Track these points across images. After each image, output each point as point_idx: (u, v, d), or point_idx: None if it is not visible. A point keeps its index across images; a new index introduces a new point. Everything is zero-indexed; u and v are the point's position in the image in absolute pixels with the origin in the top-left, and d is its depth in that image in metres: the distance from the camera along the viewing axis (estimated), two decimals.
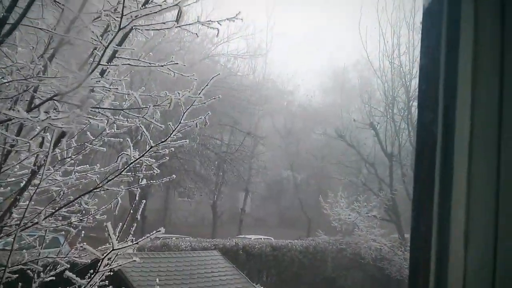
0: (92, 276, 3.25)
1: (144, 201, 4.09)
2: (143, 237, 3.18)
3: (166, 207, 35.18)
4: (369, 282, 23.53)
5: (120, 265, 3.25)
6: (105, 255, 3.10)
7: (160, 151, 3.88)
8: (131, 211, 3.89)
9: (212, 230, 32.90)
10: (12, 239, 3.24)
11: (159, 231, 3.16)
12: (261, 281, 17.23)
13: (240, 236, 28.60)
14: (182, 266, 15.19)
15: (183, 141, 3.88)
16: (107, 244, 3.16)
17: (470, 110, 1.00)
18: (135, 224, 3.90)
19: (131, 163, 3.64)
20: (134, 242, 3.22)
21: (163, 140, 3.85)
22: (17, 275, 3.60)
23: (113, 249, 3.06)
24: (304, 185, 38.79)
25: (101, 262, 3.14)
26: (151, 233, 3.16)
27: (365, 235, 25.38)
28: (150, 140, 3.72)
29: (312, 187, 36.56)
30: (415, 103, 27.79)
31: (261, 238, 25.46)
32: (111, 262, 3.23)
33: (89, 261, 3.79)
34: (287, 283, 21.40)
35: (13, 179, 4.07)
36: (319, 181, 36.05)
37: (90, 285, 3.34)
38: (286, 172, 39.74)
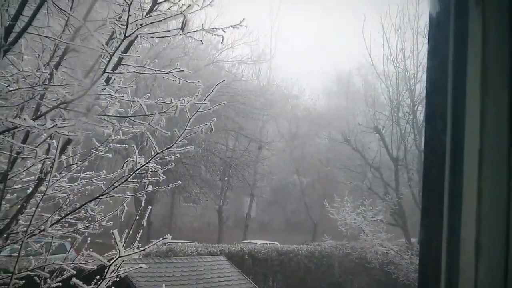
0: (99, 282, 3.25)
1: (150, 207, 4.09)
2: (150, 244, 3.18)
3: (172, 213, 35.21)
4: (375, 287, 23.41)
5: (126, 272, 3.25)
6: (111, 262, 3.10)
7: (165, 157, 3.88)
8: (137, 217, 3.89)
9: (218, 235, 32.87)
10: (19, 246, 3.25)
11: (166, 238, 3.16)
12: (267, 286, 17.20)
13: (246, 241, 28.57)
14: (188, 271, 15.17)
15: (188, 147, 3.88)
16: (114, 250, 3.16)
17: (479, 118, 0.99)
18: (141, 230, 3.90)
19: (137, 169, 3.65)
20: (140, 249, 3.23)
21: (168, 146, 3.85)
22: (24, 281, 3.61)
23: (119, 256, 3.06)
24: (310, 190, 38.69)
25: (108, 269, 3.14)
26: (158, 240, 3.16)
27: (371, 239, 25.29)
28: (156, 147, 3.72)
29: (317, 192, 36.47)
30: (420, 107, 27.76)
31: (266, 243, 25.42)
32: (118, 269, 3.24)
33: (96, 267, 3.79)
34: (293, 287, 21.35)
35: (20, 186, 4.08)
36: (325, 186, 35.98)
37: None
38: (291, 177, 39.65)
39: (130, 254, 3.14)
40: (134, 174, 3.63)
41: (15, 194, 4.15)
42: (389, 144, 28.35)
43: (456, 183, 1.00)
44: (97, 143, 4.32)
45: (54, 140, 3.83)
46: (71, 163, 4.24)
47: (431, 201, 1.08)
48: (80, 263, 3.96)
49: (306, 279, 22.44)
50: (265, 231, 35.49)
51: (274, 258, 21.76)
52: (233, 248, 20.92)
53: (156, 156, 3.71)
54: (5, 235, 3.43)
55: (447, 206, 1.01)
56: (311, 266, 23.18)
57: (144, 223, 3.85)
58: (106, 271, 3.16)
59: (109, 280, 3.49)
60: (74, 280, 3.14)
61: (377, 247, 24.67)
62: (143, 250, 3.21)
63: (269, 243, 25.71)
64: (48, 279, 4.04)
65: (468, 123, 1.00)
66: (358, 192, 30.23)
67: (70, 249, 4.52)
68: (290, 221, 39.92)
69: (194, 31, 3.97)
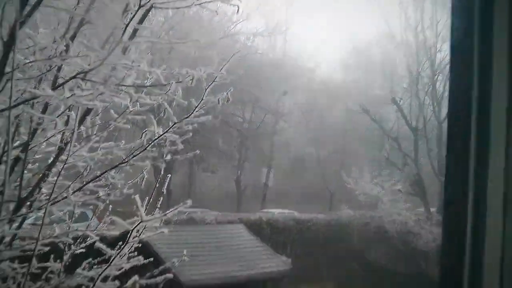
0: (121, 247, 3.35)
1: (169, 175, 4.17)
2: (171, 209, 3.25)
3: (191, 183, 35.53)
4: (394, 255, 23.33)
5: (149, 236, 3.35)
6: (134, 226, 3.19)
7: (183, 126, 3.92)
8: (157, 185, 3.97)
9: (236, 204, 33.23)
10: (43, 214, 3.35)
11: (186, 203, 3.23)
12: (285, 253, 17.42)
13: (264, 210, 28.86)
14: (208, 238, 15.45)
15: (206, 117, 3.91)
16: (135, 217, 3.25)
17: (507, 76, 0.96)
18: (161, 198, 3.99)
19: (156, 139, 3.70)
20: (162, 214, 3.31)
21: (186, 116, 3.89)
22: (48, 248, 3.73)
23: (141, 221, 3.15)
24: (327, 161, 38.53)
25: (130, 234, 3.24)
26: (178, 205, 3.23)
27: (389, 209, 25.33)
28: (174, 116, 3.76)
29: (334, 163, 36.34)
30: (440, 78, 27.42)
31: (284, 212, 25.62)
32: (140, 234, 3.33)
33: (118, 234, 3.91)
34: (311, 256, 21.56)
35: (41, 155, 4.18)
36: (342, 157, 35.85)
37: (120, 256, 3.46)
38: (308, 148, 39.53)
39: (152, 219, 3.23)
40: (152, 143, 3.69)
41: (37, 164, 4.25)
42: (408, 115, 28.15)
43: (483, 143, 0.97)
44: (115, 115, 4.36)
45: (72, 112, 3.89)
46: (90, 134, 4.30)
47: (456, 165, 1.06)
48: (103, 229, 4.07)
49: (324, 247, 22.64)
50: (282, 201, 35.64)
51: (292, 227, 21.98)
52: (252, 217, 21.17)
53: (174, 125, 3.75)
54: (28, 203, 3.54)
55: (473, 168, 0.99)
56: (329, 234, 23.34)
57: (164, 191, 3.93)
58: (128, 236, 3.26)
59: (132, 245, 3.60)
60: (98, 244, 3.24)
61: (395, 216, 24.72)
62: (165, 214, 3.29)
63: (287, 212, 25.89)
64: (72, 245, 4.17)
65: (495, 82, 0.98)
66: (376, 163, 30.17)
67: (92, 217, 4.64)
68: (307, 191, 39.94)
69: (209, 1, 3.94)
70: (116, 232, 3.83)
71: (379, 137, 30.66)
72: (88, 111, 3.85)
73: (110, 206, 4.19)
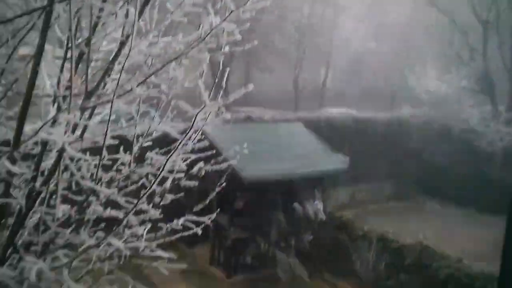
0: (187, 132, 3.45)
1: (228, 68, 4.12)
2: (234, 94, 3.25)
3: (247, 83, 35.54)
4: (456, 155, 22.74)
5: (212, 120, 3.42)
6: (198, 111, 3.25)
7: (241, 16, 3.78)
8: (216, 79, 3.96)
9: (294, 104, 33.18)
10: (109, 110, 3.44)
11: (248, 87, 3.21)
12: (343, 152, 17.51)
13: (322, 109, 28.72)
14: (267, 135, 15.70)
15: (264, 1, 3.74)
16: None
17: None
18: (221, 92, 3.99)
19: (213, 28, 3.60)
20: (224, 99, 3.34)
21: (244, 3, 3.74)
22: (117, 141, 3.89)
23: (205, 105, 3.20)
24: (389, 57, 36.89)
25: (195, 119, 3.31)
26: (240, 90, 3.22)
27: (452, 106, 24.41)
28: (231, 3, 3.62)
29: (397, 59, 34.78)
30: None
31: (343, 111, 25.37)
32: (205, 119, 3.40)
33: (183, 129, 4.01)
34: (369, 155, 21.62)
35: (102, 53, 4.22)
36: (405, 53, 34.15)
37: (185, 144, 3.57)
38: (369, 44, 37.81)
39: (215, 104, 3.28)
40: (210, 33, 3.61)
41: (99, 62, 4.30)
42: (477, 6, 25.92)
43: None
44: (171, 9, 4.26)
45: (131, 7, 3.82)
46: (148, 29, 4.26)
47: None
48: (168, 122, 4.19)
49: (383, 147, 22.55)
50: (341, 101, 35.17)
51: (350, 126, 21.88)
52: (310, 116, 21.15)
53: (231, 13, 3.62)
54: (95, 97, 3.64)
55: None
56: (388, 133, 23.11)
57: (224, 85, 3.92)
58: (193, 121, 3.34)
59: (198, 132, 3.69)
60: (165, 128, 3.33)
61: (459, 114, 23.86)
62: (228, 99, 3.32)
63: (346, 112, 25.61)
64: (140, 137, 4.34)
65: None
66: (442, 58, 28.61)
67: (156, 112, 4.74)
68: (367, 90, 38.91)
69: None
70: (180, 125, 3.93)
71: (446, 31, 28.73)
72: (146, 2, 3.77)
73: (173, 100, 4.26)
